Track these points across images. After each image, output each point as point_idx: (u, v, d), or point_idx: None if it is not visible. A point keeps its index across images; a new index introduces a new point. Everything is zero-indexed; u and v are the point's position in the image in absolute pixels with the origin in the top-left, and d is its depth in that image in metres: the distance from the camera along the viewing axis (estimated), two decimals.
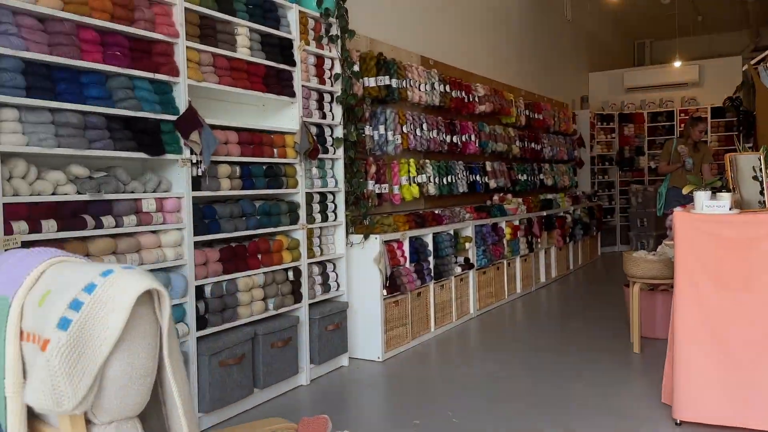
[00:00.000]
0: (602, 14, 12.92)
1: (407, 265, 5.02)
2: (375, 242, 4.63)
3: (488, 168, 7.33)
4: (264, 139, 3.93)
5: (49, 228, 2.72)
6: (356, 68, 4.95)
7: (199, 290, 3.47)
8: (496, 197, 7.46)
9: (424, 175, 5.87)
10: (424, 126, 5.87)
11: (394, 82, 5.34)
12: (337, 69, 4.55)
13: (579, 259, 9.24)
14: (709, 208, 3.31)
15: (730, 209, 3.29)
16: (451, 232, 5.71)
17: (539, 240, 7.64)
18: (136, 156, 3.09)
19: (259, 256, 3.85)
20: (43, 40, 2.73)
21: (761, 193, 3.37)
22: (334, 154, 4.51)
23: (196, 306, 3.40)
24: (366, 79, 5.12)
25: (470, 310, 6.06)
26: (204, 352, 3.40)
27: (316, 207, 4.35)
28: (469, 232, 6.06)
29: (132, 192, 3.13)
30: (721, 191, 3.37)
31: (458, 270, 5.79)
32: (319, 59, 4.42)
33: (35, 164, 2.78)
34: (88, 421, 0.98)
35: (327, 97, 4.49)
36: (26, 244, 2.64)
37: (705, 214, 3.31)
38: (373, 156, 5.28)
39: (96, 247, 2.91)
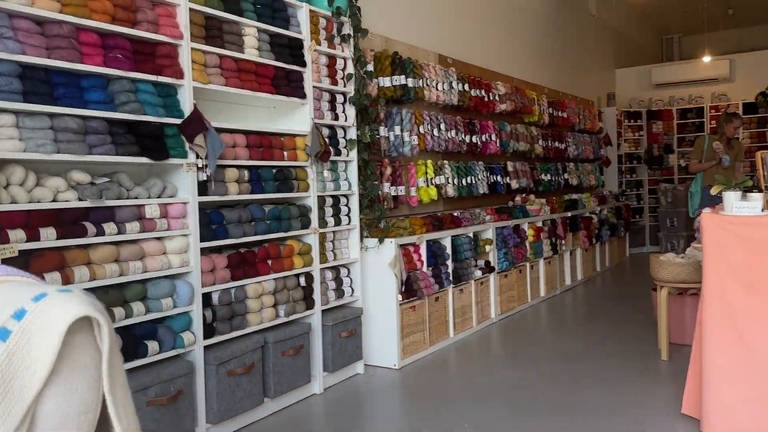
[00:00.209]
0: (629, 9, 12.62)
1: (424, 269, 4.89)
2: (390, 246, 4.51)
3: (510, 168, 7.16)
4: (274, 142, 3.83)
5: (48, 236, 2.65)
6: (370, 68, 4.83)
7: (207, 298, 3.38)
8: (518, 198, 7.28)
9: (442, 177, 5.73)
10: (442, 126, 5.73)
11: (410, 82, 5.21)
12: (350, 69, 4.44)
13: (606, 260, 9.00)
14: (739, 209, 3.12)
15: (762, 210, 3.09)
16: (471, 235, 5.56)
17: (564, 242, 7.44)
18: (138, 161, 3.02)
19: (269, 262, 3.76)
20: (41, 44, 2.66)
21: None
22: (347, 156, 4.40)
23: (203, 314, 3.32)
24: (381, 78, 5.00)
25: (491, 315, 5.90)
26: (211, 362, 3.32)
27: (329, 211, 4.25)
28: (489, 234, 5.90)
29: (136, 198, 3.06)
30: (752, 191, 3.18)
31: (478, 273, 5.63)
32: (331, 59, 4.31)
33: (35, 170, 2.72)
34: None
35: (339, 98, 4.38)
36: (24, 253, 2.58)
37: (735, 216, 3.12)
38: (389, 157, 5.16)
39: (97, 255, 2.84)
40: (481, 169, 6.48)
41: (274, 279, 3.77)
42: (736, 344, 3.07)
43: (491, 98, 6.64)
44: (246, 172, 3.62)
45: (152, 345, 3.04)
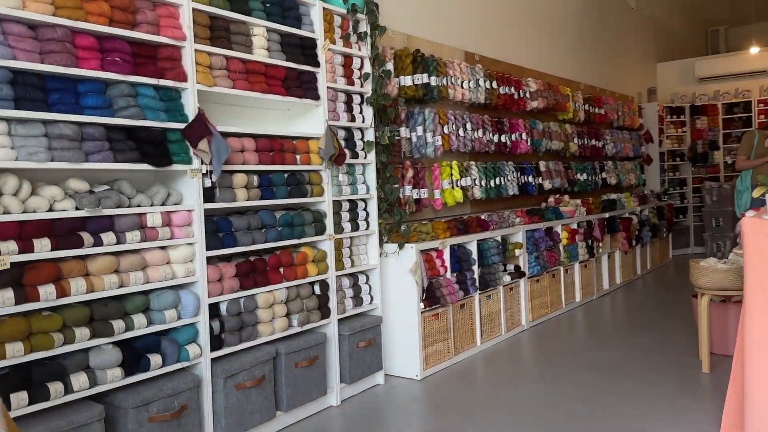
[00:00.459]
0: (671, 0, 12.12)
1: (448, 275, 4.69)
2: (411, 252, 4.32)
3: (542, 168, 6.89)
4: (285, 146, 3.70)
5: (42, 247, 2.56)
6: (390, 67, 4.66)
7: (214, 308, 3.27)
8: (551, 199, 7.00)
9: (468, 178, 5.52)
10: (468, 126, 5.52)
11: (433, 80, 5.01)
12: (367, 68, 4.27)
13: (647, 263, 8.62)
14: None
15: None
16: (498, 239, 5.33)
17: (601, 244, 7.12)
18: (139, 168, 2.91)
19: (281, 270, 3.62)
20: (34, 48, 2.58)
21: None
22: (365, 158, 4.24)
23: (210, 325, 3.20)
24: (402, 77, 4.82)
25: (522, 322, 5.65)
26: (218, 375, 3.19)
27: (346, 216, 4.09)
28: (519, 237, 5.66)
29: (138, 206, 2.96)
30: None
31: (507, 279, 5.40)
32: (347, 58, 4.15)
33: (31, 179, 2.64)
34: None
35: (356, 99, 4.22)
36: (16, 265, 2.50)
37: None
38: (410, 159, 4.98)
39: (96, 266, 2.75)
40: (510, 169, 6.23)
41: (286, 288, 3.63)
42: None
43: (522, 95, 6.38)
44: (255, 177, 3.49)
45: (155, 358, 2.93)
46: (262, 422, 3.42)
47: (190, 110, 3.14)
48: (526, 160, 6.71)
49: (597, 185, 8.14)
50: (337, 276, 3.99)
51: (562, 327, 5.79)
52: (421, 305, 4.36)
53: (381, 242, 4.37)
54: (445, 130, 5.21)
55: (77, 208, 2.71)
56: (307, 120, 3.98)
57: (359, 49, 4.23)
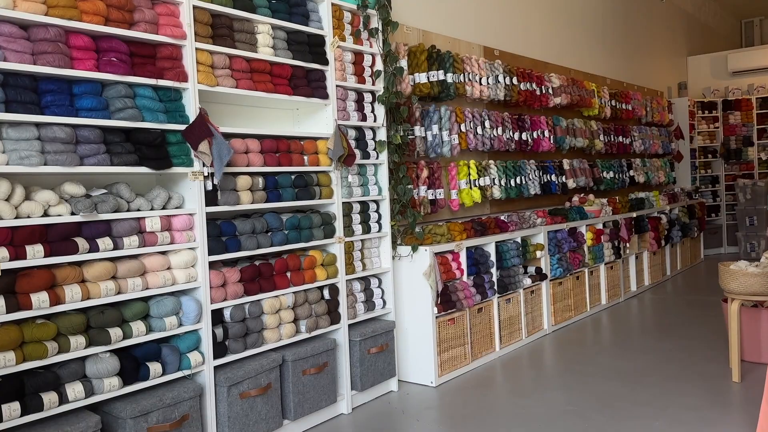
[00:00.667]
0: None
1: (464, 278, 4.53)
2: (425, 254, 4.18)
3: (566, 166, 6.68)
4: (293, 146, 3.59)
5: (35, 254, 2.49)
6: (403, 64, 4.52)
7: (218, 314, 3.17)
8: (575, 198, 6.78)
9: (487, 178, 5.35)
10: (487, 123, 5.35)
11: (449, 77, 4.86)
12: (379, 65, 4.14)
13: (677, 264, 8.33)
14: None
15: None
16: (519, 240, 5.16)
17: (628, 244, 6.88)
18: (137, 171, 2.83)
19: (288, 275, 3.51)
20: (25, 49, 2.50)
21: None
22: (376, 158, 4.11)
23: (213, 332, 3.11)
24: (417, 75, 4.68)
25: (544, 326, 5.47)
26: (222, 383, 3.10)
27: (357, 218, 3.97)
28: (540, 238, 5.47)
29: (138, 210, 2.88)
30: None
31: (528, 281, 5.22)
32: (358, 56, 4.03)
33: (25, 184, 2.58)
34: None
35: (368, 97, 4.09)
36: (8, 272, 2.43)
37: None
38: (425, 159, 4.84)
39: (92, 273, 2.67)
40: (532, 168, 6.05)
41: (293, 292, 3.52)
42: None
43: (544, 91, 6.19)
44: (260, 179, 3.39)
45: (154, 367, 2.84)
46: (268, 431, 3.32)
47: (191, 111, 3.05)
48: (549, 159, 6.52)
49: (624, 183, 7.89)
50: (347, 280, 3.88)
51: (586, 331, 5.59)
52: (436, 310, 4.22)
53: (394, 245, 4.24)
54: (462, 129, 5.06)
55: (73, 213, 2.64)
56: (315, 120, 3.88)
57: (370, 46, 4.10)
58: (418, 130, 4.65)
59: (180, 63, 3.03)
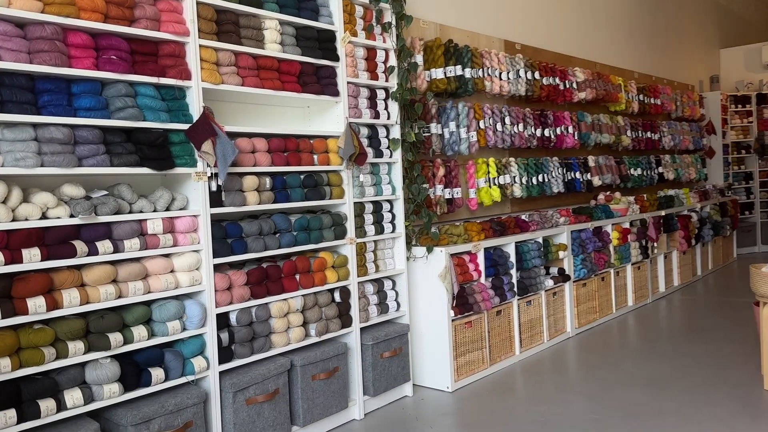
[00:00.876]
0: None
1: (482, 280, 4.39)
2: (440, 256, 4.05)
3: (591, 163, 6.48)
4: (302, 145, 3.49)
5: (32, 257, 2.43)
6: (419, 59, 4.40)
7: (224, 318, 3.09)
8: (601, 196, 6.58)
9: (507, 176, 5.19)
10: (507, 120, 5.19)
11: (467, 72, 4.72)
12: (393, 61, 4.02)
13: (708, 263, 8.05)
14: None
15: None
16: (540, 240, 4.99)
17: (656, 244, 6.64)
18: (138, 172, 2.76)
19: (297, 277, 3.42)
20: (21, 48, 2.44)
21: None
22: (390, 157, 3.99)
23: (219, 336, 3.03)
24: (433, 70, 4.55)
25: (567, 329, 5.30)
26: (227, 389, 3.02)
27: (369, 218, 3.86)
28: (563, 238, 5.30)
29: (140, 211, 2.81)
30: None
31: (550, 283, 5.05)
32: (371, 51, 3.92)
33: (23, 185, 2.52)
34: None
35: (381, 94, 3.97)
36: (4, 277, 2.38)
37: None
38: (442, 157, 4.70)
39: (92, 276, 2.61)
40: (555, 165, 5.87)
41: (302, 295, 3.43)
42: None
43: (568, 86, 6.00)
44: (268, 180, 3.30)
45: (157, 373, 2.77)
46: None
47: (195, 110, 2.97)
48: (573, 155, 6.33)
49: (653, 181, 7.65)
50: (359, 282, 3.77)
51: (611, 334, 5.40)
52: (452, 312, 4.09)
53: (409, 245, 4.12)
54: (481, 125, 4.91)
55: (72, 216, 2.57)
56: (327, 117, 3.77)
57: (384, 41, 3.98)
58: (435, 128, 4.51)
59: (183, 60, 2.95)
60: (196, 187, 2.99)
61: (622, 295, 6.12)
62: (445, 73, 4.57)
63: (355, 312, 3.71)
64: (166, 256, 2.91)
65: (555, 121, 5.86)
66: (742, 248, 9.49)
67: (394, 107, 4.02)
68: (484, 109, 4.97)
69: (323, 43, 3.60)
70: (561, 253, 5.23)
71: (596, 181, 6.46)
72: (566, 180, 6.00)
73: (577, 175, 6.17)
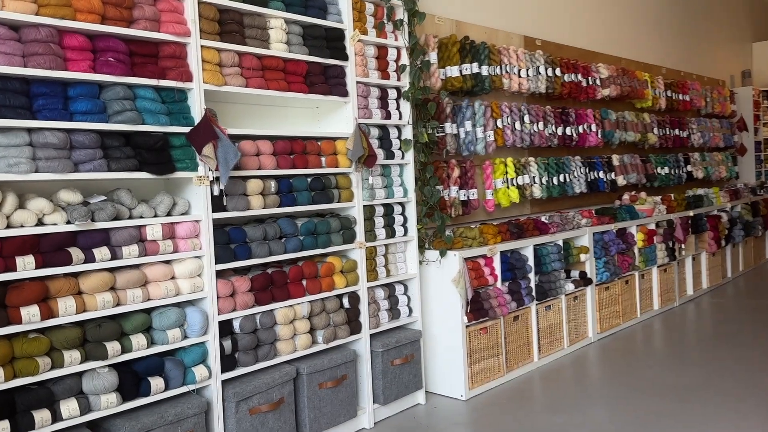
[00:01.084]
0: None
1: (498, 284, 4.26)
2: (454, 259, 3.93)
3: (615, 162, 6.28)
4: (309, 147, 3.40)
5: (26, 265, 2.38)
6: (433, 57, 4.27)
7: (227, 326, 3.02)
8: (626, 196, 6.38)
9: (526, 176, 5.04)
10: (526, 118, 5.03)
11: (484, 70, 4.58)
12: (404, 60, 3.91)
13: (739, 265, 7.78)
14: None
15: None
16: (560, 243, 4.83)
17: (683, 245, 6.42)
18: (136, 177, 2.69)
19: (304, 282, 3.33)
20: (15, 51, 2.39)
21: None
22: (402, 158, 3.88)
23: (221, 344, 2.95)
24: (448, 68, 4.42)
25: (588, 334, 5.13)
26: (230, 398, 2.95)
27: (380, 221, 3.75)
28: (585, 240, 5.12)
29: (140, 217, 2.74)
30: None
31: (570, 287, 4.89)
32: (382, 50, 3.81)
33: (18, 191, 2.47)
34: None
35: (392, 93, 3.86)
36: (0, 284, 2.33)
37: None
38: (457, 157, 4.57)
39: (88, 284, 2.55)
40: (577, 164, 5.69)
41: (309, 301, 3.34)
42: None
43: (591, 83, 5.82)
44: (273, 183, 3.21)
45: (156, 382, 2.71)
46: None
47: (197, 112, 2.89)
48: (597, 154, 6.14)
49: (681, 180, 7.40)
50: (370, 287, 3.67)
51: (635, 339, 5.21)
52: (466, 318, 3.96)
53: (421, 249, 4.01)
54: (499, 124, 4.77)
55: (69, 222, 2.52)
56: (336, 118, 3.68)
57: (395, 39, 3.87)
58: (450, 127, 4.38)
59: (184, 62, 2.87)
60: (198, 191, 2.91)
61: (647, 298, 5.92)
62: (460, 70, 4.44)
63: (364, 318, 3.61)
64: (167, 262, 2.84)
65: (577, 119, 5.68)
66: None
67: (406, 107, 3.91)
68: (502, 107, 4.83)
69: (331, 42, 3.50)
70: (582, 256, 5.06)
71: (621, 181, 6.26)
72: (589, 180, 5.82)
73: (601, 174, 5.98)
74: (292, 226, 3.30)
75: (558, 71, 5.36)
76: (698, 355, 4.69)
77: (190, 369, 2.85)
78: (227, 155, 2.88)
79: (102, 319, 2.61)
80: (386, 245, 3.83)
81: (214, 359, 2.92)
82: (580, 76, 5.66)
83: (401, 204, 3.91)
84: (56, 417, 2.43)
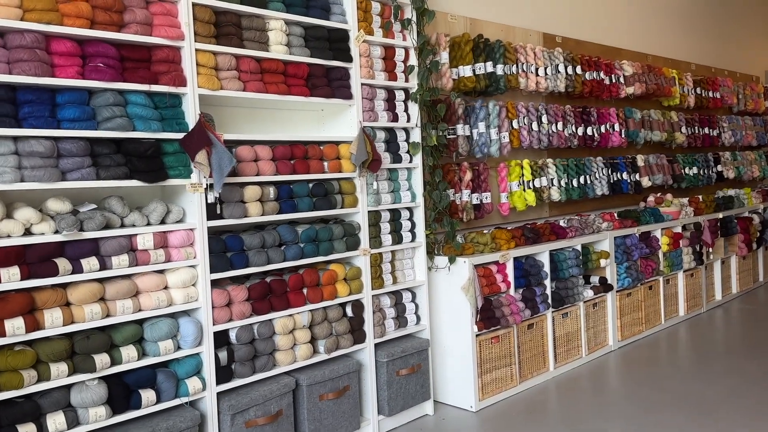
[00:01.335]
0: None
1: (511, 292, 4.11)
2: (464, 266, 3.80)
3: (640, 162, 6.05)
4: (310, 152, 3.30)
5: (11, 277, 2.33)
6: (444, 57, 4.14)
7: (223, 336, 2.94)
8: (651, 198, 6.15)
9: (544, 178, 4.87)
10: (544, 118, 4.86)
11: (498, 69, 4.43)
12: (413, 60, 3.78)
13: None
14: None
15: None
16: (578, 248, 4.66)
17: (711, 249, 6.17)
18: (127, 185, 2.63)
19: (305, 291, 3.24)
20: (0, 58, 2.34)
21: None
22: (409, 162, 3.76)
23: (216, 355, 2.88)
24: (460, 68, 4.28)
25: (608, 342, 4.94)
26: (225, 411, 2.87)
27: (386, 227, 3.64)
28: (605, 245, 4.94)
29: (132, 225, 2.68)
30: None
31: (589, 293, 4.72)
32: (389, 50, 3.69)
33: (5, 201, 2.42)
34: None
35: (400, 95, 3.74)
36: None
37: None
38: (470, 160, 4.43)
39: (76, 295, 2.49)
40: (599, 165, 5.49)
41: (310, 311, 3.24)
42: None
43: (614, 81, 5.61)
44: (272, 189, 3.13)
45: (147, 395, 2.65)
46: None
47: (191, 118, 2.82)
48: (620, 155, 5.92)
49: (710, 180, 7.12)
50: (375, 295, 3.56)
51: (658, 347, 5.01)
52: (476, 327, 3.83)
53: (430, 255, 3.88)
54: (515, 125, 4.61)
55: (57, 232, 2.46)
56: (341, 122, 3.57)
57: (403, 39, 3.75)
58: (462, 129, 4.24)
59: (178, 66, 2.80)
60: (193, 199, 2.84)
61: (672, 304, 5.70)
62: (473, 70, 4.29)
63: (368, 327, 3.50)
64: (160, 271, 2.77)
65: (599, 118, 5.49)
66: None
67: (414, 109, 3.79)
68: (518, 107, 4.67)
69: (335, 43, 3.40)
70: (603, 261, 4.88)
71: (645, 182, 6.03)
72: (612, 181, 5.61)
73: (624, 175, 5.77)
74: (293, 234, 3.21)
75: (579, 69, 5.17)
76: (723, 364, 4.47)
77: (183, 381, 2.78)
78: (221, 162, 2.79)
79: (91, 330, 2.56)
80: (393, 251, 3.72)
81: (209, 371, 2.85)
82: (602, 74, 5.46)
83: (409, 209, 3.79)
84: (42, 431, 2.38)
